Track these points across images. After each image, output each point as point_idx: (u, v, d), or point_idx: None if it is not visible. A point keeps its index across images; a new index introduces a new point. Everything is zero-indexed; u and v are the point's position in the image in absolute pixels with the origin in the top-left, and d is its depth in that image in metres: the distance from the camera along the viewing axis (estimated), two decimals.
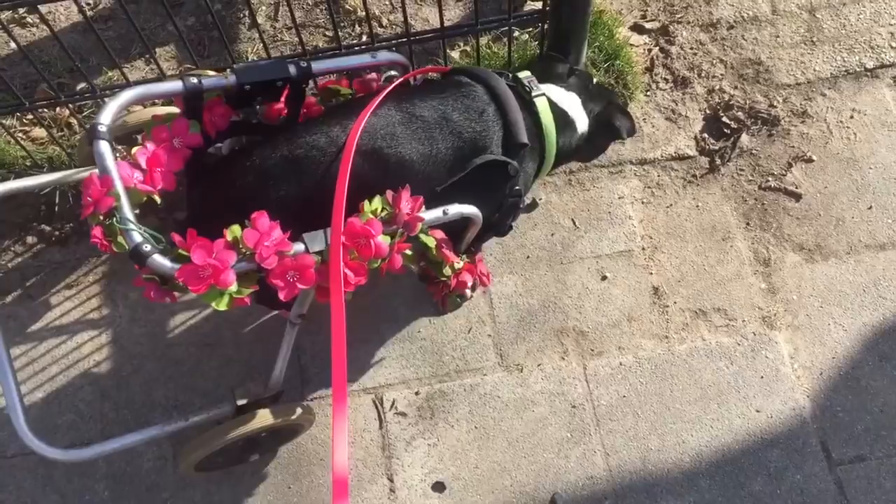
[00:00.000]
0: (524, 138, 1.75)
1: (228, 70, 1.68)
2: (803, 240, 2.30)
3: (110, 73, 2.50)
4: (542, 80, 1.91)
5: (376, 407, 2.14)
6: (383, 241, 1.54)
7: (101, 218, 1.49)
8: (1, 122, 2.33)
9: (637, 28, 2.61)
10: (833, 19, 2.58)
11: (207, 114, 1.68)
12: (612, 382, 2.15)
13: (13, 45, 2.56)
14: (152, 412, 2.15)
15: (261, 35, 2.15)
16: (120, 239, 1.47)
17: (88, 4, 2.65)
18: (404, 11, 2.10)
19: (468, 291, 2.22)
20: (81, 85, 2.47)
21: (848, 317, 2.20)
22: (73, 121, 2.39)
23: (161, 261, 1.44)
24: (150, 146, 1.60)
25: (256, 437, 1.93)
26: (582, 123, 1.93)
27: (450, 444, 2.09)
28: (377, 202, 1.57)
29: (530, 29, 2.50)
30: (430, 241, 1.70)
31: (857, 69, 2.51)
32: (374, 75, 1.90)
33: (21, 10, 2.61)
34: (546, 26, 2.25)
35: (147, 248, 1.45)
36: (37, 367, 2.20)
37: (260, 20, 2.60)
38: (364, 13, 2.15)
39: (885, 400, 2.10)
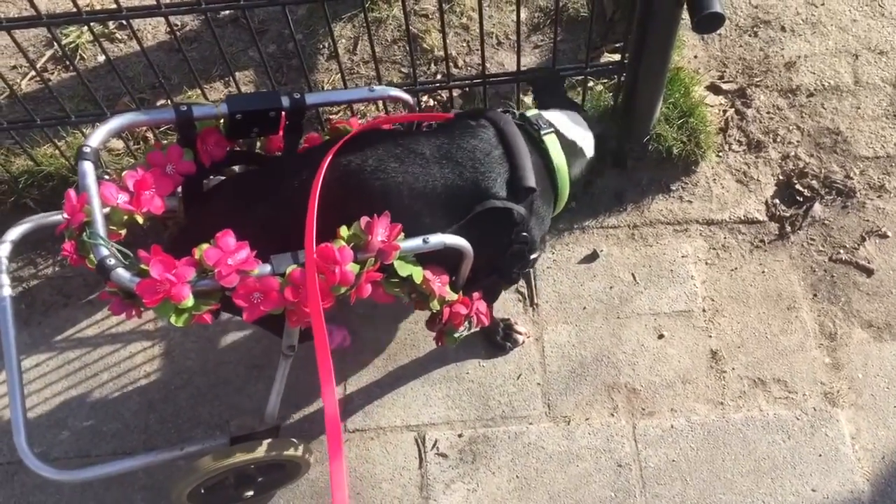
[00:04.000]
0: (531, 182, 1.68)
1: (220, 99, 1.70)
2: (873, 317, 2.22)
3: (190, 93, 2.57)
4: (546, 104, 1.88)
5: (418, 445, 2.11)
6: (351, 269, 1.51)
7: (76, 233, 1.52)
8: (82, 130, 2.40)
9: (714, 88, 2.59)
10: None
11: (200, 143, 1.70)
12: (661, 445, 2.08)
13: (101, 58, 2.66)
14: (196, 428, 2.15)
15: (340, 66, 2.18)
16: (92, 255, 1.50)
17: (176, 25, 2.73)
18: (482, 53, 2.12)
19: (516, 336, 2.20)
20: (161, 102, 2.53)
21: None
22: (150, 135, 2.46)
23: (123, 274, 1.46)
24: (141, 170, 1.63)
25: (249, 472, 1.90)
26: (589, 147, 1.89)
27: (489, 490, 2.05)
28: (354, 228, 1.54)
29: (605, 80, 2.50)
30: (418, 275, 1.64)
31: None
32: (385, 117, 1.88)
33: (111, 25, 2.71)
34: (622, 78, 2.24)
35: (111, 261, 1.47)
36: (88, 372, 2.22)
37: (339, 52, 2.65)
38: (442, 53, 2.17)
39: None
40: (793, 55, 2.62)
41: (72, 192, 1.55)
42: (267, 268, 1.50)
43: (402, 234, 1.57)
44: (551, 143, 1.77)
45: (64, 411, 2.18)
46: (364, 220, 1.54)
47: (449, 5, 2.70)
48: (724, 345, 2.20)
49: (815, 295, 2.26)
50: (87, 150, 1.58)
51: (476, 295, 1.90)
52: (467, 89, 2.51)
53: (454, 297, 1.78)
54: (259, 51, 2.04)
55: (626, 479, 2.04)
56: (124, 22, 1.99)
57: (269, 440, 1.85)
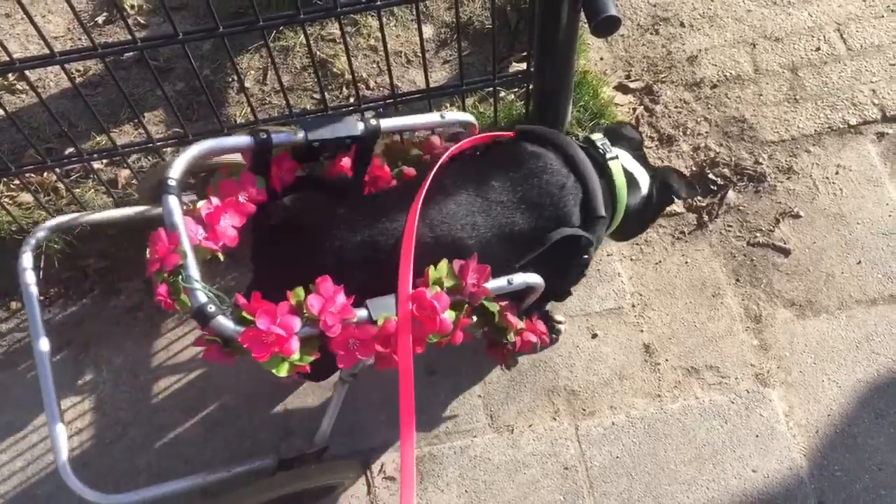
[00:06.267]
0: (602, 212, 1.73)
1: (297, 125, 1.66)
2: (794, 295, 2.29)
3: (98, 138, 2.51)
4: (613, 143, 1.93)
5: (364, 471, 2.09)
6: (448, 316, 1.51)
7: (167, 276, 1.46)
8: None
9: (622, 87, 2.64)
10: (815, 77, 2.62)
11: (276, 168, 1.65)
12: (604, 443, 2.10)
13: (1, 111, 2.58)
14: (135, 479, 2.09)
15: (248, 99, 2.16)
16: (183, 297, 1.44)
17: (79, 71, 2.67)
18: (390, 74, 2.12)
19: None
20: (69, 150, 2.47)
21: (842, 373, 2.17)
22: (61, 185, 2.39)
23: (225, 323, 1.42)
24: (215, 200, 1.57)
25: (298, 493, 1.90)
26: (645, 185, 1.93)
27: None
28: (443, 268, 1.54)
29: (515, 89, 2.53)
30: (494, 308, 1.66)
31: (841, 126, 2.53)
32: (436, 139, 1.87)
33: (11, 77, 2.63)
34: (531, 86, 2.27)
35: (211, 308, 1.42)
36: (18, 435, 2.15)
37: (248, 84, 2.63)
38: (351, 76, 2.17)
39: (883, 458, 2.06)
40: (694, 49, 2.69)
41: (162, 232, 1.47)
42: (363, 312, 1.48)
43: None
44: (615, 167, 1.83)
45: None
46: (456, 263, 1.55)
47: (355, 28, 2.71)
48: (655, 338, 2.24)
49: (737, 280, 2.32)
50: (172, 182, 1.49)
51: (534, 317, 1.93)
52: (381, 110, 2.51)
53: (522, 325, 1.79)
54: (163, 90, 2.01)
55: (574, 480, 2.06)
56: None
57: (328, 464, 1.95)
